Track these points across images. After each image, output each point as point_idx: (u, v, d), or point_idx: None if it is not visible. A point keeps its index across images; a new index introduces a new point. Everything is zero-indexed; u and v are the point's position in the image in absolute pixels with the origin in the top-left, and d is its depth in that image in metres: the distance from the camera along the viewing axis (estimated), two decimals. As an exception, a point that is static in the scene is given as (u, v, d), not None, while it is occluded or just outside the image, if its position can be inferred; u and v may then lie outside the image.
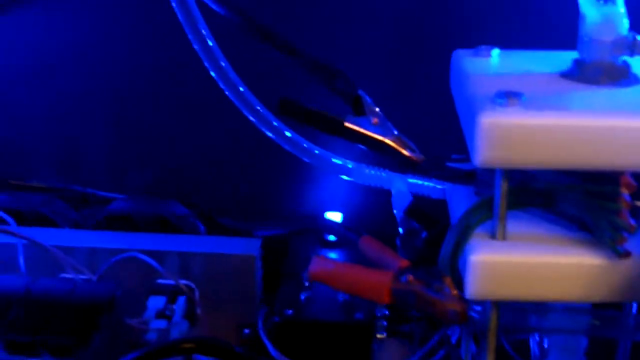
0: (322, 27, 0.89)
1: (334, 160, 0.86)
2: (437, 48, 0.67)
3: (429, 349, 0.78)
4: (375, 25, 0.89)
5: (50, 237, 0.79)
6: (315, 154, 0.86)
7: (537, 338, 0.70)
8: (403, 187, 0.83)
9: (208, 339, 0.64)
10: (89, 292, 0.71)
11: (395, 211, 0.81)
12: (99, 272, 0.76)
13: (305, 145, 0.85)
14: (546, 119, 0.47)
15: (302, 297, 0.80)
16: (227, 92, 0.82)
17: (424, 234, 0.74)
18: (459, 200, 0.59)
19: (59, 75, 0.98)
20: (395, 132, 0.61)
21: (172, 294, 0.77)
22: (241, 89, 0.82)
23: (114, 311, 0.70)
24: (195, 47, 0.79)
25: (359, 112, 0.61)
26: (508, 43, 0.61)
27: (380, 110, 0.61)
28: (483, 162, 0.48)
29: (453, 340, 0.73)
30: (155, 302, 0.77)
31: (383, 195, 0.85)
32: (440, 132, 0.71)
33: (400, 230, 0.77)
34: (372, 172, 0.86)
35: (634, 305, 0.62)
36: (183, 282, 0.79)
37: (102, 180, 0.96)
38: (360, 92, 0.61)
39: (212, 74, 0.81)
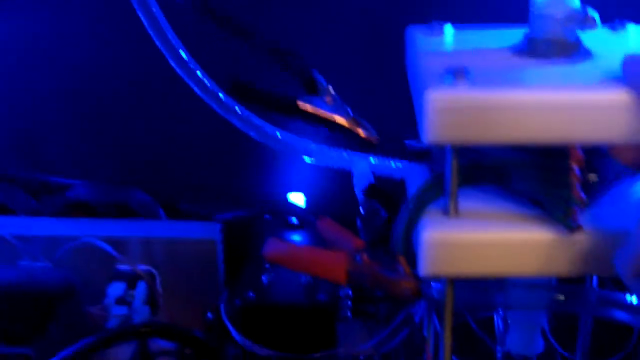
0: (275, 8, 0.89)
1: (295, 142, 0.86)
2: (393, 25, 0.67)
3: (393, 329, 0.79)
4: (330, 3, 0.88)
5: (7, 225, 0.78)
6: (276, 136, 0.85)
7: (502, 314, 0.70)
8: (365, 167, 0.83)
9: (165, 323, 0.63)
10: (45, 280, 0.71)
11: (356, 192, 0.81)
12: (56, 260, 0.75)
13: (266, 128, 0.85)
14: (493, 95, 0.47)
15: (265, 279, 0.79)
16: (185, 78, 0.81)
17: (384, 214, 0.74)
18: (416, 178, 0.59)
19: (18, 65, 0.96)
20: (350, 112, 0.60)
21: (132, 280, 0.77)
22: (199, 73, 0.81)
23: (72, 299, 0.69)
24: (152, 34, 0.78)
25: (313, 92, 0.60)
26: (464, 18, 0.61)
27: (335, 90, 0.61)
28: (431, 140, 0.48)
29: (416, 319, 0.73)
30: (115, 289, 0.76)
31: (346, 177, 0.85)
32: (399, 110, 0.71)
33: (362, 210, 0.77)
34: (334, 153, 0.86)
35: (595, 279, 0.63)
36: (144, 267, 0.78)
37: (62, 167, 0.95)
38: (314, 72, 0.61)
39: (170, 60, 0.80)
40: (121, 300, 0.76)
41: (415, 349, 0.79)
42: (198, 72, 0.81)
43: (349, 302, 0.80)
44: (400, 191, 0.66)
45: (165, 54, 0.80)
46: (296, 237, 0.87)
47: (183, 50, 0.80)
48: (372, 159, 0.84)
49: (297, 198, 0.95)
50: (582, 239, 0.49)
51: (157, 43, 0.77)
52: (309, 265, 0.58)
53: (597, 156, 0.52)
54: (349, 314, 0.81)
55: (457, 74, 0.48)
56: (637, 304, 0.55)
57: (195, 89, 0.82)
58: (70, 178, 0.92)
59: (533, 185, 0.51)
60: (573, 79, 0.50)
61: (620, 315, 0.55)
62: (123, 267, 0.78)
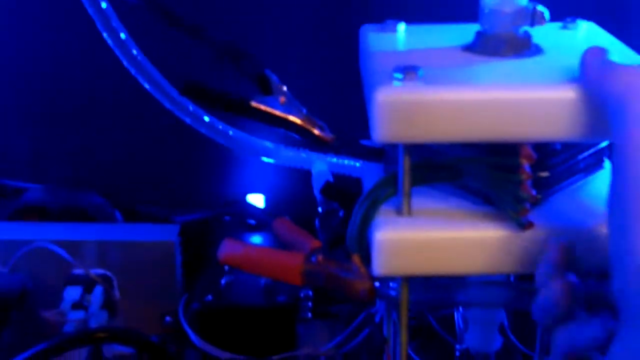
0: (228, 7, 0.88)
1: (252, 142, 0.85)
2: (347, 24, 0.66)
3: (353, 329, 0.78)
4: (283, 2, 0.88)
5: (-40, 230, 0.77)
6: (231, 135, 0.85)
7: (462, 312, 0.70)
8: (323, 167, 0.83)
9: (121, 328, 0.62)
10: (-2, 285, 0.69)
11: (315, 192, 0.80)
12: (10, 265, 0.74)
13: (220, 127, 0.84)
14: (442, 93, 0.47)
15: (223, 282, 0.79)
16: (140, 80, 0.81)
17: (342, 213, 0.74)
18: (370, 176, 0.59)
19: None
20: (304, 111, 0.60)
21: (88, 284, 0.76)
22: (155, 75, 0.80)
23: (25, 304, 0.68)
24: (105, 35, 0.77)
25: (267, 92, 0.60)
26: (418, 17, 0.61)
27: (289, 89, 0.60)
28: (382, 138, 0.48)
29: (377, 319, 0.73)
30: (72, 293, 0.75)
31: (306, 176, 0.85)
32: (354, 109, 0.71)
33: (320, 210, 0.77)
34: (292, 153, 0.85)
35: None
36: (100, 271, 0.77)
37: (16, 170, 0.94)
38: (267, 71, 0.60)
39: (124, 62, 0.80)
40: (78, 305, 0.74)
41: (376, 349, 0.79)
42: (153, 73, 0.80)
43: (309, 303, 0.80)
44: (358, 190, 0.66)
45: (120, 56, 0.79)
46: (255, 239, 0.86)
47: (137, 52, 0.79)
48: (330, 159, 0.84)
49: (256, 199, 0.95)
50: (533, 236, 0.49)
51: (111, 44, 0.77)
52: (264, 266, 0.58)
53: (549, 153, 0.52)
54: (309, 314, 0.80)
55: (407, 72, 0.48)
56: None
57: (151, 90, 0.81)
58: (25, 182, 0.91)
59: (485, 183, 0.51)
60: (523, 76, 0.50)
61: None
62: (79, 271, 0.77)
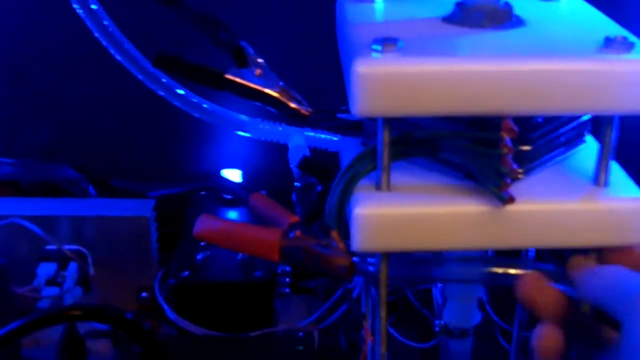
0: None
1: (228, 115, 0.84)
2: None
3: (331, 304, 0.78)
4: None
5: None
6: (210, 110, 0.84)
7: (440, 287, 0.70)
8: (300, 141, 0.82)
9: (96, 305, 0.61)
10: (-30, 262, 0.68)
11: (292, 166, 0.79)
12: (-19, 241, 0.72)
13: (195, 100, 0.83)
14: (423, 65, 0.46)
15: (199, 257, 0.78)
16: (113, 51, 0.79)
17: (319, 188, 0.73)
18: (349, 151, 0.58)
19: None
20: (281, 84, 0.58)
21: (62, 260, 0.75)
22: (127, 47, 0.79)
23: (-1, 280, 0.67)
24: (76, 5, 0.75)
25: (242, 64, 0.58)
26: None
27: (265, 61, 0.59)
28: (361, 112, 0.47)
29: (355, 295, 0.72)
30: (46, 269, 0.74)
31: (282, 150, 0.84)
32: (331, 82, 0.70)
33: (297, 185, 0.76)
34: (268, 126, 0.84)
35: (532, 252, 0.62)
36: (75, 247, 0.76)
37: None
38: (242, 43, 0.59)
39: (96, 33, 0.78)
40: (52, 281, 0.74)
41: (354, 324, 0.79)
42: (125, 44, 0.79)
43: (287, 279, 0.79)
44: (335, 164, 0.65)
45: (91, 27, 0.77)
46: (231, 214, 0.85)
47: (109, 23, 0.78)
48: (307, 132, 0.83)
49: (232, 174, 0.94)
50: (515, 211, 0.49)
51: (82, 15, 0.75)
52: (240, 243, 0.57)
53: (530, 127, 0.51)
54: (287, 290, 0.80)
55: (386, 43, 0.46)
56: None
57: (124, 62, 0.80)
58: (-2, 156, 0.89)
59: (465, 157, 0.50)
60: (505, 49, 0.49)
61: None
62: (53, 247, 0.75)
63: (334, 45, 0.60)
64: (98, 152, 0.94)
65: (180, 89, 0.80)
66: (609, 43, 0.48)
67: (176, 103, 0.81)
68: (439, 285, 0.70)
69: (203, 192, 0.88)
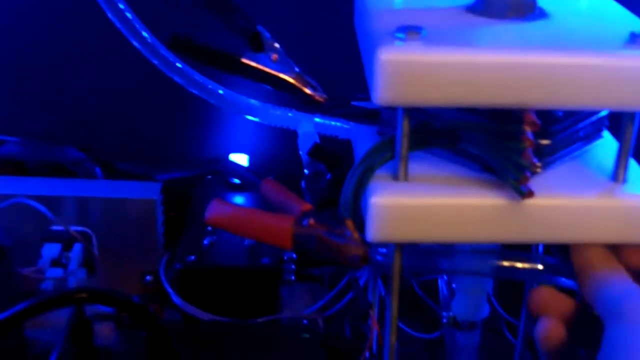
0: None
1: (238, 100, 0.83)
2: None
3: (337, 292, 0.77)
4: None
5: None
6: (219, 94, 0.83)
7: (446, 279, 0.69)
8: (310, 127, 0.81)
9: (101, 289, 0.60)
10: (-26, 242, 0.67)
11: (301, 152, 0.79)
12: (-14, 221, 0.72)
13: (209, 85, 0.82)
14: (446, 55, 0.45)
15: (206, 242, 0.77)
16: (123, 31, 0.78)
17: (328, 176, 0.72)
18: (363, 140, 0.57)
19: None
20: (297, 70, 0.58)
21: (67, 241, 0.74)
22: (140, 30, 0.78)
23: (4, 260, 0.66)
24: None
25: (258, 49, 0.57)
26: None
27: (281, 46, 0.58)
28: (382, 101, 0.46)
29: (361, 283, 0.72)
30: (50, 250, 0.73)
31: (291, 137, 0.83)
32: (346, 70, 0.69)
33: (306, 172, 0.75)
34: (278, 112, 0.84)
35: (540, 247, 0.62)
36: (80, 228, 0.75)
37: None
38: (259, 27, 0.58)
39: (107, 12, 0.77)
40: (56, 263, 0.73)
41: (360, 313, 0.78)
42: (137, 25, 0.78)
43: (293, 266, 0.79)
44: (345, 152, 0.65)
45: (102, 5, 0.76)
46: (239, 199, 0.85)
47: (123, 5, 0.77)
48: (317, 119, 0.82)
49: (240, 158, 0.93)
50: (533, 205, 0.48)
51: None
52: (253, 229, 0.56)
53: (550, 121, 0.51)
54: (292, 277, 0.79)
55: (410, 32, 0.46)
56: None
57: (134, 42, 0.79)
58: (2, 134, 0.88)
59: (485, 150, 0.49)
60: (529, 40, 0.48)
61: (564, 282, 0.54)
62: (58, 228, 0.75)
63: (349, 32, 0.59)
64: (105, 135, 0.93)
65: (192, 72, 0.80)
66: (634, 38, 0.47)
67: (188, 87, 0.80)
68: (445, 276, 0.69)
69: (210, 177, 0.87)
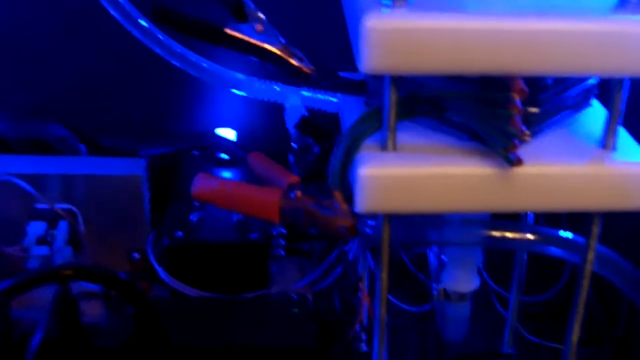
0: None
1: (223, 73, 0.82)
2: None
3: (326, 267, 0.77)
4: None
5: None
6: (204, 67, 0.82)
7: (436, 251, 0.69)
8: (297, 101, 0.80)
9: (88, 266, 0.60)
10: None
11: (288, 126, 0.78)
12: (-30, 199, 0.71)
13: (194, 59, 0.81)
14: (434, 22, 0.44)
15: (193, 218, 0.76)
16: (105, 4, 0.77)
17: (316, 149, 0.72)
18: (350, 111, 0.57)
19: None
20: (282, 41, 0.57)
21: (52, 219, 0.73)
22: (123, 3, 0.77)
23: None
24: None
25: (242, 19, 0.56)
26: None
27: (266, 16, 0.57)
28: (369, 69, 0.45)
29: (350, 257, 0.71)
30: (35, 228, 0.73)
31: (278, 110, 0.82)
32: (333, 41, 0.68)
33: (294, 145, 0.74)
34: (265, 86, 0.83)
35: (530, 216, 0.62)
36: (65, 206, 0.75)
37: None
38: (243, -3, 0.57)
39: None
40: (42, 241, 0.72)
41: (349, 287, 0.78)
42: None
43: (282, 241, 0.78)
44: (333, 125, 0.64)
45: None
46: (226, 174, 0.84)
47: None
48: (304, 92, 0.81)
49: (227, 133, 0.92)
50: (522, 173, 0.48)
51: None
52: (239, 203, 0.55)
53: (539, 88, 0.50)
54: (282, 252, 0.79)
55: (396, -1, 0.45)
56: (570, 240, 0.54)
57: (116, 15, 0.78)
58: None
59: (473, 118, 0.49)
60: (516, 7, 0.47)
61: (554, 251, 0.54)
62: (43, 205, 0.74)
63: (334, 2, 0.58)
64: (88, 110, 0.92)
65: (176, 45, 0.78)
66: (623, 3, 0.46)
67: (172, 60, 0.79)
68: (435, 248, 0.69)
69: (196, 152, 0.86)
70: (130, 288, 0.60)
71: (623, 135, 0.51)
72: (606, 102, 0.50)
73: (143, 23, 0.78)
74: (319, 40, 0.73)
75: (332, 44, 0.66)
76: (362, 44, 0.45)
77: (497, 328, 0.75)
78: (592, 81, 0.55)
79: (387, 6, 0.45)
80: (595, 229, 0.51)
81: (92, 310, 0.69)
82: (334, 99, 0.80)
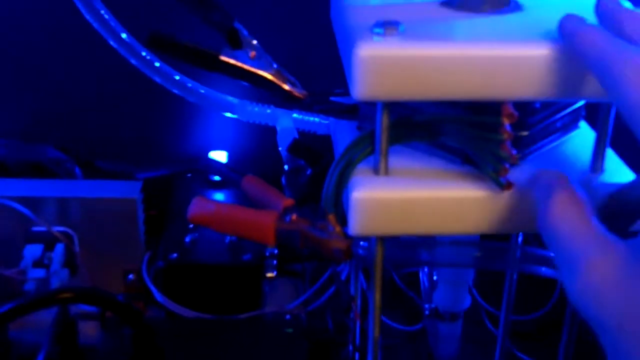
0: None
1: (217, 97, 0.83)
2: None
3: (319, 287, 0.78)
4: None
5: None
6: (198, 91, 0.83)
7: (427, 271, 0.70)
8: (288, 123, 0.82)
9: (86, 288, 0.61)
10: (-44, 244, 0.67)
11: (280, 148, 0.79)
12: (-33, 223, 0.71)
13: (188, 84, 0.82)
14: (425, 49, 0.46)
15: (187, 239, 0.77)
16: (100, 30, 0.78)
17: (309, 171, 0.73)
18: (343, 135, 0.58)
19: None
20: (275, 66, 0.58)
21: (49, 241, 0.74)
22: (117, 29, 0.78)
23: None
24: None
25: (236, 46, 0.58)
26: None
27: (259, 43, 0.58)
28: (361, 96, 0.46)
29: (343, 277, 0.72)
30: (32, 251, 0.73)
31: (269, 133, 0.83)
32: (324, 66, 0.69)
33: (286, 167, 0.75)
34: (257, 108, 0.84)
35: (520, 236, 0.63)
36: (61, 229, 0.75)
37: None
38: (236, 24, 0.58)
39: (83, 11, 0.77)
40: (38, 263, 0.73)
41: (342, 306, 0.79)
42: (113, 24, 0.78)
43: (275, 261, 0.79)
44: (325, 147, 0.65)
45: (78, 4, 0.76)
46: (219, 196, 0.85)
47: (98, 3, 0.77)
48: (295, 115, 0.83)
49: (219, 155, 0.93)
50: (512, 196, 0.49)
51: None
52: (235, 226, 0.56)
53: (528, 112, 0.52)
54: (274, 272, 0.80)
55: (387, 27, 0.46)
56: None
57: (111, 41, 0.79)
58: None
59: (464, 142, 0.50)
60: (504, 33, 0.49)
61: (544, 271, 0.55)
62: (40, 228, 0.75)
63: (326, 25, 0.60)
64: (84, 133, 0.93)
65: (171, 71, 0.80)
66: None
67: (166, 85, 0.80)
68: (427, 268, 0.70)
69: (190, 174, 0.87)
70: (127, 310, 0.61)
71: (611, 157, 0.52)
72: (594, 122, 0.51)
73: (137, 48, 0.80)
74: (311, 64, 0.74)
75: (325, 69, 0.67)
76: (355, 72, 0.46)
77: (488, 346, 0.76)
78: (580, 103, 0.56)
79: (378, 34, 0.46)
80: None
81: (89, 332, 0.70)
82: (326, 122, 0.81)
